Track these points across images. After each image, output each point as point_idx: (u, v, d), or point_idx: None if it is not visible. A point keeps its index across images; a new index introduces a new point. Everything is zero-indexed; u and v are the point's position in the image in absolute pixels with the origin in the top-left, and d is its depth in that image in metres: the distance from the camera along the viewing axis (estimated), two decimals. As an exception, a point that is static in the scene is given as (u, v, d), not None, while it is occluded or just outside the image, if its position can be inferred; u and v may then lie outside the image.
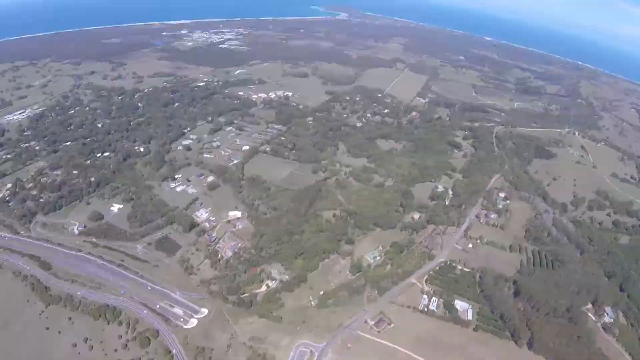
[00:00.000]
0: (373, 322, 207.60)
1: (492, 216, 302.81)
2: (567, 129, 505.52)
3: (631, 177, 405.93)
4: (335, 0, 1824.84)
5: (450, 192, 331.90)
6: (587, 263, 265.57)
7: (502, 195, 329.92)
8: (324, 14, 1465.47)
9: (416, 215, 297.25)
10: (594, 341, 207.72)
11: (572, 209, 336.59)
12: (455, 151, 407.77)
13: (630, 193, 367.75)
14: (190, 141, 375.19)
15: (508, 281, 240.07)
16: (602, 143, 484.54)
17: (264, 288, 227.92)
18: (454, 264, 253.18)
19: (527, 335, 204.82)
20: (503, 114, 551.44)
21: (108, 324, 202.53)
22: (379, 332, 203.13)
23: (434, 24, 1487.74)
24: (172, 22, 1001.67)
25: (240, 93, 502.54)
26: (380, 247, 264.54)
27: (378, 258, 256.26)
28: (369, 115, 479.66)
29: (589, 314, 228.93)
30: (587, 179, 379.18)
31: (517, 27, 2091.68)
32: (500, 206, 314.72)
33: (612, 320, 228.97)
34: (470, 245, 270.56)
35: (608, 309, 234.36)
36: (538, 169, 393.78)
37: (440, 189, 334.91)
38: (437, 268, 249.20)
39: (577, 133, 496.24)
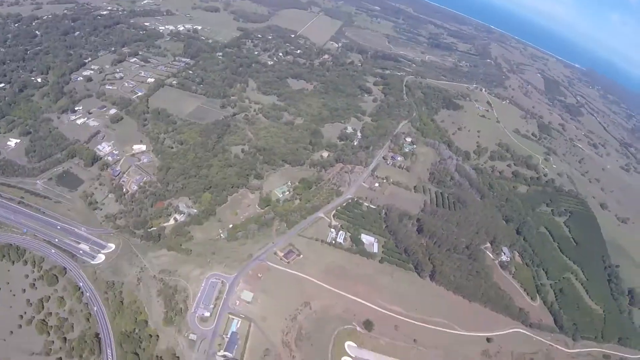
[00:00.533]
0: (282, 254, 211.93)
1: (399, 159, 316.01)
2: (474, 85, 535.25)
3: (532, 134, 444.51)
4: None
5: (359, 134, 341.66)
6: (486, 207, 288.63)
7: (408, 140, 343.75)
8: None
9: (325, 154, 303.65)
10: (491, 276, 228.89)
11: (474, 157, 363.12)
12: (366, 95, 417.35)
13: (530, 148, 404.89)
14: (92, 72, 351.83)
15: (412, 218, 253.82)
16: (507, 101, 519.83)
17: (172, 222, 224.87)
18: (361, 201, 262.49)
19: (429, 268, 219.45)
20: (414, 65, 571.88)
21: (13, 264, 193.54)
22: (288, 262, 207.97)
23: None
24: None
25: (146, 24, 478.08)
26: (289, 183, 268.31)
27: (287, 193, 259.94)
28: (280, 54, 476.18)
29: (488, 252, 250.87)
30: (490, 132, 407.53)
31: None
32: (407, 150, 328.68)
33: (509, 259, 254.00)
34: (376, 184, 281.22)
35: (505, 249, 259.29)
36: (444, 118, 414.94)
37: (350, 130, 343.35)
38: (345, 204, 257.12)
39: (483, 89, 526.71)
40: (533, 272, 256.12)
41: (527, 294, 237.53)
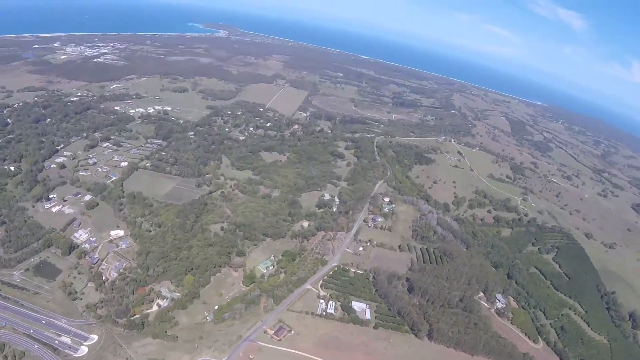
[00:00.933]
0: (273, 331, 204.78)
1: (379, 220, 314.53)
2: (443, 137, 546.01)
3: (506, 177, 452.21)
4: (214, 18, 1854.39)
5: (337, 200, 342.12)
6: (473, 256, 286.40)
7: (387, 199, 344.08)
8: (203, 31, 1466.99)
9: (305, 224, 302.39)
10: (490, 326, 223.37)
11: (454, 208, 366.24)
12: (339, 161, 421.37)
13: (506, 191, 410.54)
14: (65, 158, 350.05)
15: (401, 279, 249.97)
16: (477, 148, 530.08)
17: (155, 308, 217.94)
18: (347, 267, 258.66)
19: (426, 327, 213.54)
20: (382, 125, 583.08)
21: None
22: (279, 340, 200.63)
23: (312, 43, 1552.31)
24: (44, 35, 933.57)
25: (116, 108, 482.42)
26: (272, 257, 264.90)
27: (271, 267, 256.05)
28: (251, 128, 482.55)
29: (482, 302, 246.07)
30: (465, 181, 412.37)
31: (392, 46, 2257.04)
32: (386, 210, 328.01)
33: (504, 305, 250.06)
34: (361, 249, 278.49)
35: (499, 296, 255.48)
36: (419, 174, 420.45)
37: (327, 197, 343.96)
38: (331, 272, 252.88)
39: (453, 140, 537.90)
40: (531, 315, 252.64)
41: (529, 337, 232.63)
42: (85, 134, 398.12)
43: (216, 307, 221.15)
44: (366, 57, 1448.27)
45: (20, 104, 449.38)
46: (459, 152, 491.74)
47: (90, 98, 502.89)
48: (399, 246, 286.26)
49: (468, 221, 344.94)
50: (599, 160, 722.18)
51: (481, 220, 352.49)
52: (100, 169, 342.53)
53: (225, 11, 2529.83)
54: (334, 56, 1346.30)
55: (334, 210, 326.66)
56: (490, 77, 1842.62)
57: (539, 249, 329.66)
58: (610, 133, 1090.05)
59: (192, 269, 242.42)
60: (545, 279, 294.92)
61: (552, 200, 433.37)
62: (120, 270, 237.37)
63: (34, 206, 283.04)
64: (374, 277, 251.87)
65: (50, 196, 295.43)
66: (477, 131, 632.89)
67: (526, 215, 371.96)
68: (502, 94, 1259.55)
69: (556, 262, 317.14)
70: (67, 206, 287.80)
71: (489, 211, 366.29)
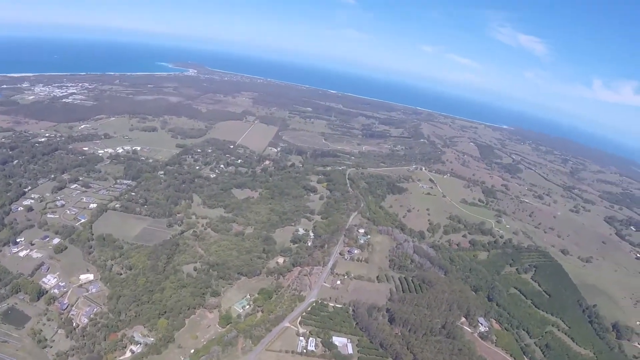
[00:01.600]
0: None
1: (356, 252, 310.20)
2: (414, 166, 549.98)
3: (479, 201, 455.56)
4: (183, 57, 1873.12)
5: (312, 234, 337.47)
6: (452, 282, 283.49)
7: (361, 231, 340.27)
8: (172, 70, 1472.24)
9: (280, 260, 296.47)
10: (475, 351, 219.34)
11: (429, 235, 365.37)
12: (312, 195, 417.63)
13: (480, 214, 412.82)
14: (32, 201, 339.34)
15: (381, 310, 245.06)
16: (448, 174, 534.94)
17: (128, 354, 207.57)
18: (326, 302, 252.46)
19: (410, 358, 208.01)
20: (353, 157, 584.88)
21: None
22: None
23: (281, 79, 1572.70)
24: (13, 75, 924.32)
25: (85, 148, 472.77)
26: (248, 296, 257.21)
27: (247, 307, 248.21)
28: (222, 166, 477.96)
29: (465, 327, 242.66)
30: (439, 207, 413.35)
31: (360, 80, 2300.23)
32: (362, 241, 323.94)
33: (487, 328, 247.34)
34: (338, 282, 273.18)
35: (481, 319, 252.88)
36: (392, 203, 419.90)
37: (301, 231, 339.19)
38: (309, 308, 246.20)
39: (423, 168, 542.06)
40: (515, 335, 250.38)
41: (515, 358, 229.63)
42: (53, 176, 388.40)
43: (192, 351, 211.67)
44: (334, 92, 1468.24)
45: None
46: (430, 180, 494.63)
47: (58, 139, 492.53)
48: (377, 277, 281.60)
49: (444, 247, 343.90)
50: (568, 177, 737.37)
51: (457, 245, 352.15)
52: (68, 211, 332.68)
53: (194, 50, 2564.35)
54: (302, 92, 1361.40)
55: (309, 244, 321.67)
56: (456, 104, 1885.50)
57: (517, 269, 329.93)
58: (577, 150, 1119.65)
59: (165, 312, 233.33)
60: (526, 298, 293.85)
61: (525, 220, 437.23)
62: (91, 316, 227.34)
63: (0, 250, 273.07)
64: (353, 310, 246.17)
65: (18, 240, 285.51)
66: (447, 158, 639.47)
67: (501, 237, 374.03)
68: (469, 120, 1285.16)
69: (535, 281, 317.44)
70: (35, 250, 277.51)
71: (464, 236, 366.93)
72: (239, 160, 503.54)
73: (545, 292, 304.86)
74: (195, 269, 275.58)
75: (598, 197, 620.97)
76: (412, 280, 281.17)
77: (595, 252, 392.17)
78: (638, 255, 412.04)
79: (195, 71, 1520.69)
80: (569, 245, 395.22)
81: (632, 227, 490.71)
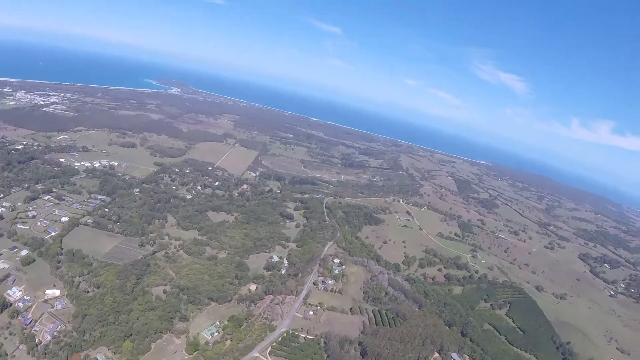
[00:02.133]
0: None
1: (330, 282, 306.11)
2: (392, 197, 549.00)
3: (455, 235, 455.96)
4: (168, 75, 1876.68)
5: (286, 262, 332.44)
6: (427, 316, 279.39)
7: (337, 261, 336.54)
8: (156, 88, 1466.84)
9: (252, 287, 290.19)
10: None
11: (404, 268, 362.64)
12: (288, 222, 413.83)
13: (456, 248, 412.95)
14: (3, 209, 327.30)
15: (353, 343, 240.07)
16: (425, 207, 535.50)
17: None
18: (297, 333, 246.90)
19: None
20: (331, 186, 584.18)
21: None
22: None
23: (264, 104, 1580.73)
24: None
25: (61, 160, 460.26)
26: (218, 322, 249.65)
27: (216, 334, 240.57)
28: (199, 187, 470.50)
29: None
30: (415, 240, 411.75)
31: (342, 109, 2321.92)
32: (337, 272, 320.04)
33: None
34: (311, 313, 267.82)
35: (454, 355, 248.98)
36: (368, 234, 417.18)
37: (276, 259, 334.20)
38: (280, 339, 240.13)
39: (401, 200, 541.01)
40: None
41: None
42: (27, 185, 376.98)
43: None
44: (316, 119, 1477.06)
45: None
46: (407, 212, 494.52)
47: (35, 148, 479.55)
48: (351, 309, 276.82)
49: (419, 280, 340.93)
50: (544, 214, 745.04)
51: (432, 279, 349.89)
52: (39, 223, 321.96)
53: (178, 69, 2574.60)
54: (285, 117, 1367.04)
55: (283, 272, 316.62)
56: (436, 138, 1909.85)
57: (491, 305, 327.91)
58: (553, 187, 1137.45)
59: (131, 334, 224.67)
60: (500, 334, 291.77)
61: (501, 256, 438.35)
62: (55, 333, 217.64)
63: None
64: (325, 342, 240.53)
65: None
66: (424, 191, 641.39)
67: (477, 272, 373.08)
68: (447, 154, 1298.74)
69: (509, 317, 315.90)
70: (1, 260, 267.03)
71: (439, 270, 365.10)
72: (217, 183, 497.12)
73: (519, 328, 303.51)
74: (164, 292, 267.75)
75: (573, 234, 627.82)
76: (386, 313, 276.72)
77: (569, 289, 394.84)
78: (612, 292, 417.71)
79: (179, 90, 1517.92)
80: (543, 282, 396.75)
81: (606, 264, 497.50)
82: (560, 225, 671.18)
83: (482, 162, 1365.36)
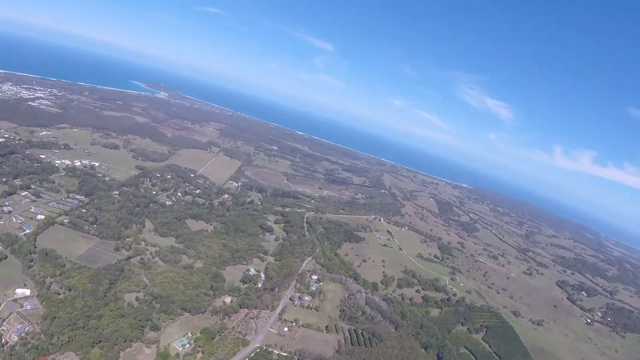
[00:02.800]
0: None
1: (306, 298, 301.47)
2: (373, 216, 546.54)
3: (434, 257, 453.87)
4: (156, 79, 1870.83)
5: (263, 275, 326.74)
6: (403, 337, 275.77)
7: (314, 277, 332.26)
8: (143, 90, 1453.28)
9: (227, 299, 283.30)
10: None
11: (382, 287, 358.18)
12: (267, 234, 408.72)
13: (435, 270, 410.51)
14: None
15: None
16: (406, 228, 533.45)
17: None
18: (271, 349, 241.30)
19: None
20: (313, 201, 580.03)
21: None
22: None
23: (251, 114, 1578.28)
24: None
25: (42, 156, 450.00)
26: (190, 334, 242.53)
27: (187, 345, 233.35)
28: (179, 194, 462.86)
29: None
30: (394, 260, 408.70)
31: (327, 125, 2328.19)
32: (314, 288, 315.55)
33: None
34: (285, 329, 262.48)
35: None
36: (348, 251, 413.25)
37: (253, 271, 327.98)
38: (253, 354, 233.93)
39: (382, 219, 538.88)
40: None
41: None
42: (5, 179, 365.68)
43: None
44: (302, 133, 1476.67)
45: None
46: (388, 231, 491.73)
47: (17, 142, 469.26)
48: (326, 327, 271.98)
49: (397, 301, 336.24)
50: (523, 239, 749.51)
51: (410, 300, 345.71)
52: (14, 219, 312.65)
53: (167, 73, 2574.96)
54: (271, 129, 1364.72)
55: (259, 286, 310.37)
56: (420, 159, 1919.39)
57: (468, 328, 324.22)
58: (533, 213, 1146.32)
59: (100, 341, 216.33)
60: (476, 359, 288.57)
61: (479, 280, 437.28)
62: (22, 335, 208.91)
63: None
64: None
65: None
66: (406, 211, 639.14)
67: (455, 295, 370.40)
68: (430, 175, 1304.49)
69: (486, 342, 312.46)
70: None
71: (417, 291, 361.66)
72: (198, 191, 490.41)
73: (495, 353, 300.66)
74: (137, 299, 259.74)
75: (551, 261, 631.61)
76: (362, 332, 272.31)
77: (546, 316, 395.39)
78: (588, 320, 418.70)
79: (167, 95, 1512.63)
80: (521, 307, 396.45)
81: (583, 292, 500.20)
82: (539, 252, 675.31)
83: (464, 185, 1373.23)
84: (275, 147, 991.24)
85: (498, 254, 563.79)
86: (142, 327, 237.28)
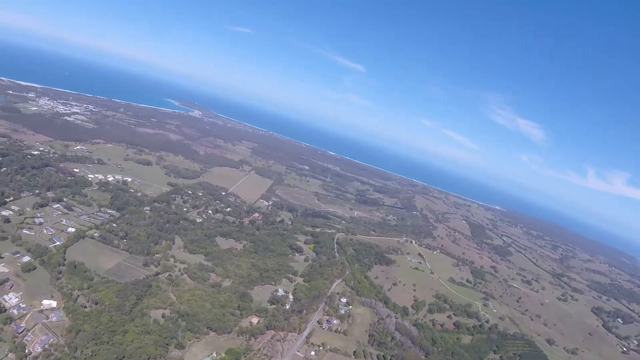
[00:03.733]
0: None
1: (335, 322, 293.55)
2: (404, 238, 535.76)
3: (467, 281, 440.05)
4: (190, 97, 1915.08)
5: (291, 297, 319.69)
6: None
7: (344, 300, 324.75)
8: (178, 109, 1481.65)
9: (254, 320, 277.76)
10: None
11: (413, 312, 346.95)
12: (297, 255, 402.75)
13: (467, 295, 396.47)
14: (11, 212, 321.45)
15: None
16: (438, 251, 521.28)
17: None
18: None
19: None
20: (344, 222, 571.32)
21: None
22: None
23: (283, 134, 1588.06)
24: (21, 82, 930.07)
25: (76, 170, 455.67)
26: (214, 354, 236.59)
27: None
28: (210, 211, 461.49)
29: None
30: (426, 284, 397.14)
31: (358, 145, 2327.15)
32: (343, 312, 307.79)
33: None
34: (312, 353, 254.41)
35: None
36: (378, 274, 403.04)
37: (281, 292, 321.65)
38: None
39: (413, 241, 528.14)
40: None
41: None
42: (37, 191, 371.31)
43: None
44: (333, 153, 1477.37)
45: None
46: (419, 254, 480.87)
47: (51, 155, 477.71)
48: (354, 352, 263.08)
49: (427, 326, 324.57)
50: (558, 264, 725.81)
51: (441, 325, 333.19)
52: (45, 231, 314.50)
53: (201, 92, 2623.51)
54: (302, 149, 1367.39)
55: (287, 307, 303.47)
56: (451, 180, 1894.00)
57: (500, 357, 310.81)
58: (567, 237, 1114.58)
59: (124, 357, 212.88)
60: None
61: (512, 306, 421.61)
62: (46, 346, 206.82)
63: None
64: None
65: None
66: (438, 233, 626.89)
67: (487, 321, 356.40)
68: (462, 197, 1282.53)
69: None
70: (2, 264, 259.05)
71: (449, 316, 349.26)
72: (228, 209, 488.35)
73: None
74: (163, 316, 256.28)
75: (586, 287, 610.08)
76: (391, 359, 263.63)
77: (581, 344, 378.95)
78: (624, 349, 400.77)
79: (200, 113, 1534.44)
80: (554, 335, 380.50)
81: (619, 319, 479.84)
82: (574, 277, 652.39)
83: (497, 207, 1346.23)
84: (307, 167, 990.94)
85: (532, 279, 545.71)
86: (167, 344, 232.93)
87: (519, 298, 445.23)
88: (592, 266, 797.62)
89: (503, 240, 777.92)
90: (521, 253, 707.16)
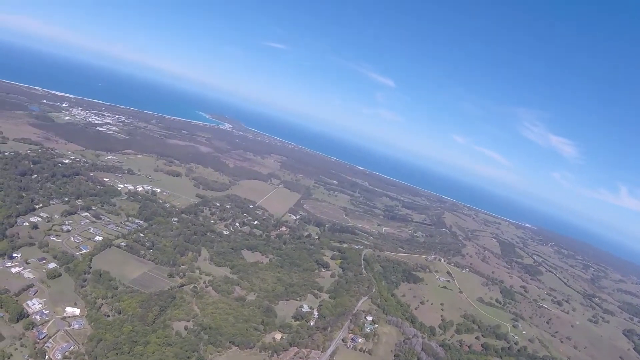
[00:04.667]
0: None
1: (360, 340, 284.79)
2: (432, 255, 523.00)
3: (496, 301, 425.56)
4: (221, 110, 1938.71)
5: (316, 313, 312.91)
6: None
7: (369, 318, 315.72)
8: (208, 121, 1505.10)
9: (278, 336, 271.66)
10: None
11: (440, 332, 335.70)
12: (323, 270, 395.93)
13: (496, 316, 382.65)
14: (39, 219, 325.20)
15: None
16: (467, 269, 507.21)
17: None
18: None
19: None
20: (371, 237, 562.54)
21: None
22: None
23: (311, 148, 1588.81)
24: (55, 92, 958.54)
25: (105, 179, 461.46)
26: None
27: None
28: (237, 224, 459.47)
29: None
30: (454, 303, 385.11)
31: (387, 160, 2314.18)
32: (368, 330, 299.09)
33: None
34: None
35: None
36: (405, 292, 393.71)
37: (306, 308, 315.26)
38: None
39: (442, 259, 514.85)
40: None
41: None
42: (67, 199, 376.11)
43: None
44: (362, 168, 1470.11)
45: (12, 153, 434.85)
46: (448, 272, 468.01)
47: (82, 164, 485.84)
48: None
49: (455, 347, 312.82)
50: (589, 284, 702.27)
51: (469, 347, 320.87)
52: (72, 238, 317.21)
53: (232, 105, 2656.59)
54: (331, 164, 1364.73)
55: (312, 324, 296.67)
56: (481, 197, 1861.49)
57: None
58: (599, 257, 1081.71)
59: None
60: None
61: (542, 327, 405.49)
62: (67, 353, 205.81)
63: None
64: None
65: (14, 255, 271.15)
66: (467, 251, 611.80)
67: (516, 343, 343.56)
68: (492, 214, 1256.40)
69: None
70: (28, 269, 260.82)
71: (477, 338, 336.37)
72: (256, 222, 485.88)
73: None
74: (186, 328, 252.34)
75: (618, 308, 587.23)
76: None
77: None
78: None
79: (231, 126, 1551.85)
80: (585, 358, 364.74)
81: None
82: (606, 298, 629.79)
83: (527, 225, 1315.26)
84: (335, 181, 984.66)
85: (562, 300, 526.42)
86: (188, 358, 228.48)
87: (549, 319, 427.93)
88: (624, 287, 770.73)
89: (533, 259, 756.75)
90: (552, 273, 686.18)
